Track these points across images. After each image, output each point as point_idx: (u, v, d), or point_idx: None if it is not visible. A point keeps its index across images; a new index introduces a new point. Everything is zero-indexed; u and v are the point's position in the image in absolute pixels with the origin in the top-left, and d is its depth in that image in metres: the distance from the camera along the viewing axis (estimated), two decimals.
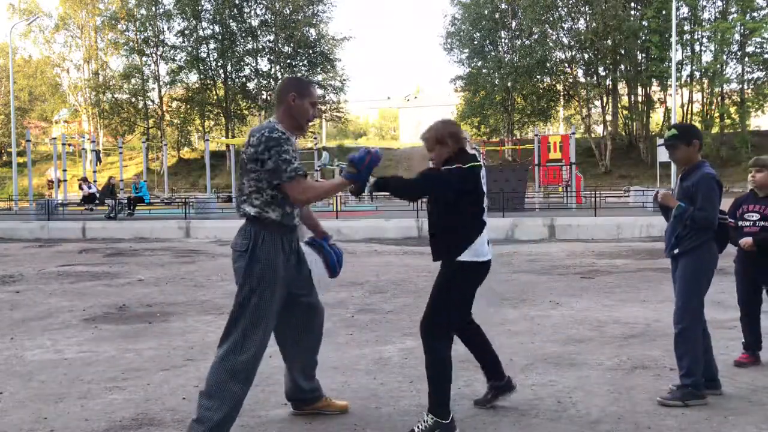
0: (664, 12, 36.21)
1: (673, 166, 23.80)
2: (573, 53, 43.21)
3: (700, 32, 39.81)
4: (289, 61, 46.67)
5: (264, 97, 46.00)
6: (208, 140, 30.40)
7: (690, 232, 3.88)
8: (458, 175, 3.40)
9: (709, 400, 3.89)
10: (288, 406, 3.94)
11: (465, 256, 3.49)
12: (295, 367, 3.70)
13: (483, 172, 3.54)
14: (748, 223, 4.66)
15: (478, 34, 45.05)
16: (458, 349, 5.25)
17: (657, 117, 46.07)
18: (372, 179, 3.36)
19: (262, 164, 3.22)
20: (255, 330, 3.28)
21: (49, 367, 4.91)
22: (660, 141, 27.69)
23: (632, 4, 41.24)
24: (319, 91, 48.78)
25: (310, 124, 3.54)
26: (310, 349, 3.73)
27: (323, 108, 49.35)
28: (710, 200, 3.82)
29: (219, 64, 45.71)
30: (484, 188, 3.55)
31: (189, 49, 45.30)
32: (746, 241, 4.59)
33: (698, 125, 40.64)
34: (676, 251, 3.96)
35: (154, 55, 46.36)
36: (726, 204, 4.36)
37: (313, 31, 46.49)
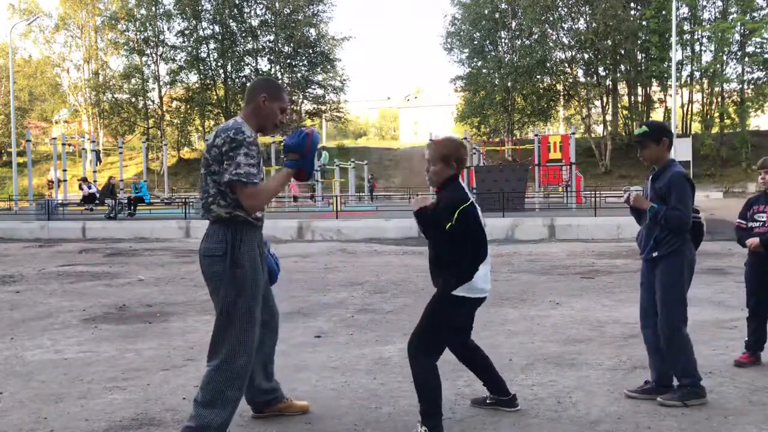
0: (663, 12, 36.23)
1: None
2: (573, 53, 43.24)
3: (700, 32, 39.85)
4: (289, 61, 46.71)
5: None
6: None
7: (668, 234, 3.82)
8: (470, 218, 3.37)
9: (709, 400, 3.89)
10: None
11: (460, 291, 3.43)
12: (257, 367, 3.65)
13: (477, 207, 3.47)
14: (757, 224, 4.66)
15: (478, 34, 45.10)
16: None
17: (657, 117, 46.08)
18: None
19: (227, 165, 3.16)
20: (247, 335, 3.24)
21: (49, 367, 4.91)
22: None
23: (632, 4, 41.25)
24: (319, 91, 48.89)
25: (275, 128, 3.49)
26: (270, 349, 3.71)
27: (323, 108, 49.43)
28: (683, 200, 3.77)
29: (219, 64, 45.75)
30: (482, 220, 3.48)
31: (189, 49, 45.35)
32: (753, 241, 4.59)
33: (698, 125, 40.73)
34: (655, 254, 3.88)
35: (154, 55, 46.40)
36: (737, 205, 4.35)
37: (313, 31, 46.54)
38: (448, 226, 3.30)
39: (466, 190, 3.49)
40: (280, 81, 46.54)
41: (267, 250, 3.56)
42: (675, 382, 4.02)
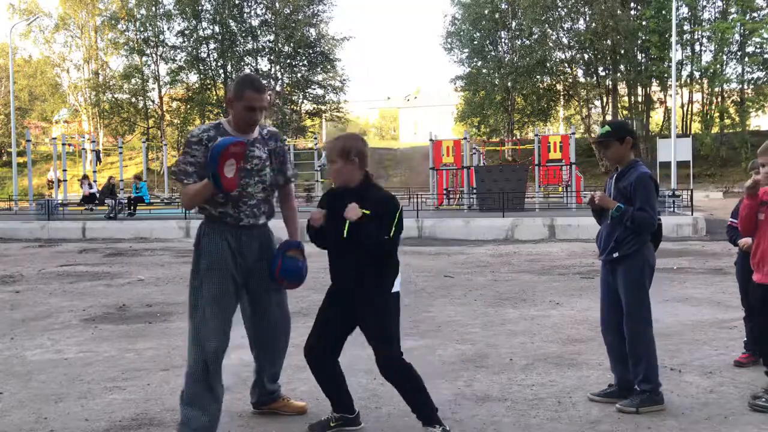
0: (663, 12, 36.23)
1: (673, 166, 23.80)
2: (573, 53, 43.23)
3: (700, 32, 39.84)
4: (289, 61, 46.70)
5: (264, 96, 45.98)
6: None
7: (629, 235, 3.78)
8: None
9: (709, 400, 3.88)
10: None
11: (396, 287, 3.52)
12: (265, 369, 3.71)
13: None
14: None
15: (478, 34, 45.08)
16: (459, 348, 5.26)
17: (657, 117, 46.10)
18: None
19: None
20: (205, 325, 3.27)
21: (49, 367, 4.91)
22: (660, 141, 27.74)
23: (632, 4, 41.25)
24: (319, 91, 48.84)
25: (251, 126, 3.44)
26: (279, 353, 3.75)
27: (323, 108, 49.42)
28: (648, 200, 3.73)
29: (219, 64, 45.73)
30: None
31: (189, 49, 45.31)
32: (745, 241, 4.58)
33: (698, 125, 40.73)
34: (615, 255, 3.84)
35: (154, 55, 46.36)
36: (729, 205, 4.33)
37: (313, 31, 46.51)
38: (385, 238, 3.30)
39: (387, 194, 3.43)
40: (279, 79, 46.50)
41: (280, 253, 3.56)
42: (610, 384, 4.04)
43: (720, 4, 40.21)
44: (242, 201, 3.38)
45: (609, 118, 42.88)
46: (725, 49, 38.54)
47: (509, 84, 42.56)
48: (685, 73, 40.32)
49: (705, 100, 41.68)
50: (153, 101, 47.23)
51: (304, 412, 3.83)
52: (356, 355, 5.13)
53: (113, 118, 46.24)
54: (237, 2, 44.54)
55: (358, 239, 3.27)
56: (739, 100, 39.84)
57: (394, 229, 3.30)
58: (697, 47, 41.15)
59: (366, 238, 3.25)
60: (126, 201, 20.94)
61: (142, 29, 45.58)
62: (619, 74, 41.40)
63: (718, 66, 37.87)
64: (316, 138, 34.27)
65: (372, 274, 3.38)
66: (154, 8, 44.65)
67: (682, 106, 41.52)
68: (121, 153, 29.34)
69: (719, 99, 40.83)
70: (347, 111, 53.21)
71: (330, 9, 61.91)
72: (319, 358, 3.55)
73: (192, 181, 3.26)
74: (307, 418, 3.76)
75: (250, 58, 46.21)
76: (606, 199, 3.93)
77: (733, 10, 38.57)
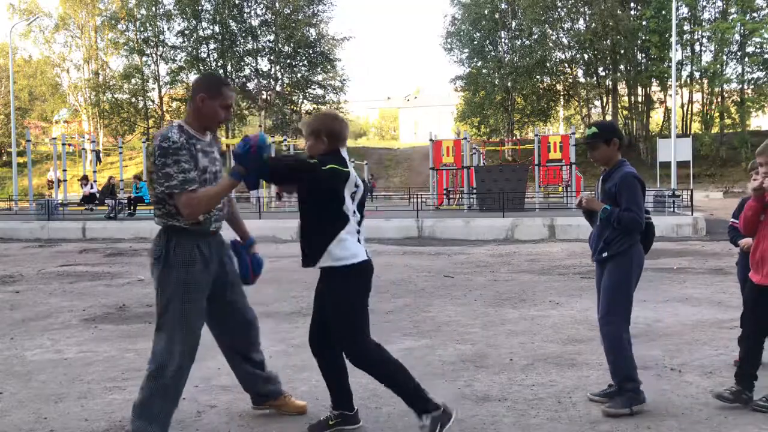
0: (663, 12, 36.24)
1: (673, 166, 23.80)
2: (573, 53, 43.26)
3: (700, 32, 39.85)
4: (289, 61, 46.71)
5: (264, 97, 46.02)
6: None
7: (618, 235, 3.77)
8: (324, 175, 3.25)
9: (709, 400, 3.88)
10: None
11: (347, 261, 3.35)
12: (244, 362, 3.68)
13: (356, 180, 3.36)
14: None
15: (478, 34, 45.11)
16: (459, 348, 5.26)
17: (657, 117, 46.12)
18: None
19: (160, 176, 3.12)
20: (179, 341, 3.21)
21: (49, 367, 4.91)
22: (660, 141, 27.74)
23: (632, 4, 41.27)
24: (319, 91, 48.84)
25: (220, 125, 3.42)
26: (254, 345, 3.71)
27: (323, 108, 49.39)
28: (635, 200, 3.71)
29: (219, 64, 45.72)
30: (352, 196, 3.37)
31: (189, 49, 45.32)
32: (746, 241, 4.58)
33: (698, 125, 40.74)
34: (604, 255, 3.84)
35: (154, 55, 46.38)
36: (729, 205, 4.32)
37: (313, 31, 46.53)
38: (313, 161, 3.21)
39: (348, 163, 3.37)
40: (279, 79, 46.45)
41: (243, 251, 3.51)
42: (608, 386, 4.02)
43: (720, 4, 40.23)
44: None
45: (609, 118, 42.90)
46: (725, 49, 38.56)
47: (509, 84, 42.59)
48: (685, 73, 40.34)
49: (705, 100, 41.70)
50: (153, 101, 47.26)
51: (304, 412, 3.81)
52: None
53: (113, 118, 46.25)
54: (237, 2, 44.54)
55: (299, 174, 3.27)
56: (739, 100, 39.85)
57: (329, 167, 3.20)
58: (697, 47, 41.18)
59: (298, 170, 3.25)
60: (126, 201, 20.94)
61: (142, 29, 45.60)
62: (619, 74, 41.44)
63: (718, 66, 37.88)
64: None
65: (312, 233, 3.35)
66: (154, 8, 44.66)
67: (682, 106, 41.53)
68: (121, 153, 29.34)
69: (719, 99, 40.84)
70: (347, 111, 53.18)
71: (330, 9, 61.96)
72: (316, 345, 3.57)
73: (197, 188, 3.14)
74: (306, 417, 3.76)
75: (250, 58, 46.22)
76: (592, 201, 3.93)
77: (733, 10, 38.58)
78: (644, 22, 38.44)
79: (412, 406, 3.38)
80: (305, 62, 47.26)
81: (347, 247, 3.32)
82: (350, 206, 3.35)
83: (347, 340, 3.41)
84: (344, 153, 3.40)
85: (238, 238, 3.65)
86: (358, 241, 3.40)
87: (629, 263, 3.79)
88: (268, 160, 3.13)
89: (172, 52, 46.09)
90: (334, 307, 3.40)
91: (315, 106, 49.60)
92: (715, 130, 39.32)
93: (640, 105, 42.86)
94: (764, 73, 39.06)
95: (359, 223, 3.45)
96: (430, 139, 23.67)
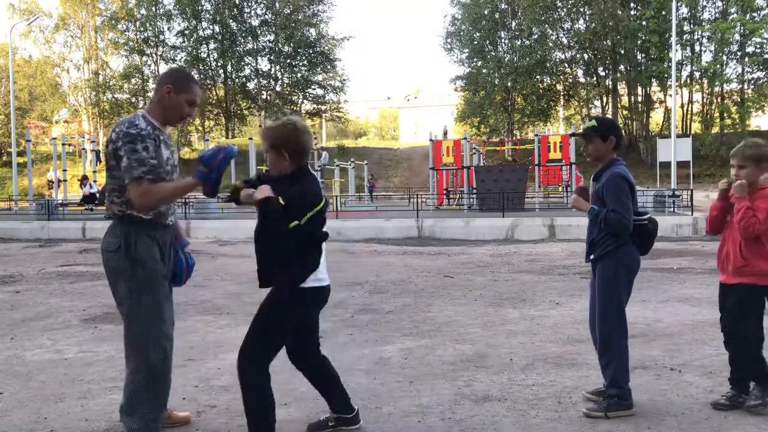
0: (663, 12, 36.24)
1: (673, 166, 23.79)
2: (573, 53, 43.26)
3: (700, 32, 39.84)
4: (289, 60, 46.72)
5: (264, 97, 46.03)
6: (208, 140, 30.39)
7: (604, 236, 3.73)
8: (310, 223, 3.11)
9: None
10: (288, 406, 3.94)
11: (308, 283, 3.19)
12: None
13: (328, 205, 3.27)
14: None
15: (478, 34, 45.12)
16: (459, 348, 5.26)
17: (657, 117, 46.11)
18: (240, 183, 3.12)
19: (119, 161, 3.07)
20: (156, 331, 3.15)
21: (49, 367, 4.91)
22: (660, 141, 27.73)
23: (632, 4, 41.27)
24: (319, 91, 48.83)
25: (181, 120, 3.37)
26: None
27: (323, 108, 49.43)
28: (620, 201, 3.63)
29: (219, 64, 45.77)
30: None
31: (189, 49, 45.35)
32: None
33: (698, 125, 40.73)
34: (592, 256, 3.81)
35: (154, 55, 46.40)
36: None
37: (313, 30, 46.55)
38: (292, 224, 3.02)
39: (318, 185, 3.23)
40: (279, 79, 46.41)
41: (179, 250, 3.45)
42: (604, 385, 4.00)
43: (720, 4, 40.22)
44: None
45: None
46: (725, 49, 38.54)
47: (509, 84, 42.60)
48: (685, 73, 40.34)
49: (705, 100, 41.69)
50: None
51: (188, 421, 3.71)
52: (357, 354, 5.13)
53: (113, 119, 46.22)
54: (237, 2, 44.56)
55: (267, 225, 3.11)
56: (739, 100, 39.85)
57: (306, 218, 3.06)
58: (697, 47, 41.16)
59: (270, 221, 3.07)
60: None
61: (142, 29, 45.62)
62: (619, 74, 41.43)
63: (718, 66, 37.87)
64: (316, 138, 34.27)
65: (279, 267, 3.18)
66: (154, 8, 44.69)
67: (682, 106, 41.52)
68: None
69: (719, 99, 40.84)
70: (347, 111, 53.19)
71: (330, 9, 61.90)
72: (295, 359, 3.50)
73: (155, 177, 3.09)
74: (307, 417, 3.75)
75: (250, 58, 46.25)
76: (579, 202, 3.88)
77: (733, 10, 38.57)
78: (644, 22, 38.43)
79: None
80: (305, 62, 47.29)
81: (323, 271, 3.27)
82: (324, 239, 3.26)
83: (252, 348, 3.29)
84: (311, 168, 3.25)
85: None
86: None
87: (614, 265, 3.73)
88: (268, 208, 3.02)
89: (172, 52, 46.14)
90: (267, 314, 3.25)
91: (315, 106, 49.63)
92: (715, 130, 39.31)
93: (640, 105, 42.85)
94: (764, 73, 39.07)
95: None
96: (430, 139, 23.68)
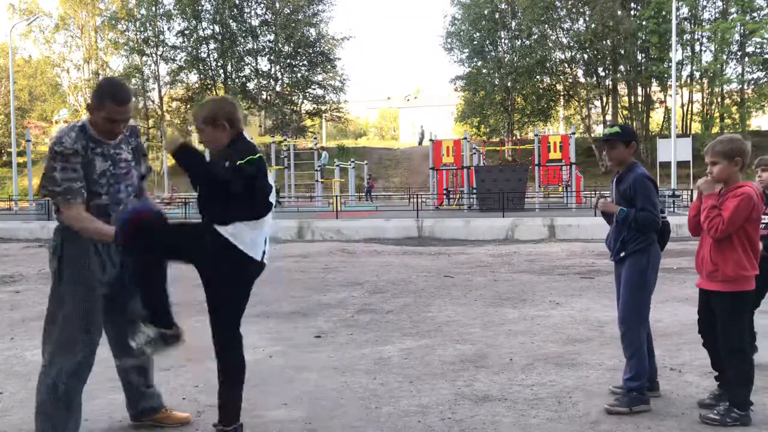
0: (663, 12, 36.23)
1: (673, 166, 23.81)
2: (573, 53, 43.25)
3: (700, 32, 39.83)
4: (289, 60, 46.72)
5: (264, 97, 46.03)
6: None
7: (635, 235, 3.84)
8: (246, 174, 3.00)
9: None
10: (288, 406, 3.95)
11: (226, 231, 3.06)
12: (133, 371, 3.59)
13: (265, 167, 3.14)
14: (761, 226, 4.58)
15: (478, 34, 45.11)
16: (459, 348, 5.26)
17: (657, 117, 46.11)
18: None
19: (45, 177, 3.08)
20: (71, 340, 3.13)
21: None
22: (660, 141, 27.74)
23: (632, 5, 41.26)
24: (319, 91, 48.80)
25: (115, 135, 3.22)
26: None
27: (323, 108, 49.44)
28: (650, 200, 3.79)
29: (219, 64, 45.77)
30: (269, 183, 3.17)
31: (189, 49, 45.34)
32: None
33: (698, 125, 40.73)
34: (622, 254, 3.91)
35: (154, 55, 46.40)
36: None
37: (313, 30, 46.55)
38: (239, 162, 2.94)
39: (255, 145, 3.15)
40: (279, 80, 46.41)
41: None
42: (611, 387, 4.07)
43: (720, 4, 40.22)
44: (112, 210, 3.20)
45: (609, 118, 42.94)
46: (725, 49, 38.53)
47: (509, 84, 42.59)
48: (685, 74, 40.35)
49: (705, 100, 41.69)
50: (153, 101, 47.26)
51: (188, 422, 3.68)
52: (357, 354, 5.13)
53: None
54: (237, 2, 44.55)
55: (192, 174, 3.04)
56: (739, 100, 39.84)
57: (246, 159, 2.98)
58: (697, 47, 41.15)
59: (193, 169, 3.01)
60: None
61: (142, 29, 45.61)
62: (619, 74, 41.42)
63: (718, 66, 37.86)
64: (316, 138, 34.29)
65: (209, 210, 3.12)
66: (154, 8, 44.67)
67: (682, 106, 41.53)
68: None
69: (719, 99, 40.84)
70: (347, 111, 53.19)
71: (330, 9, 61.94)
72: None
73: (80, 201, 3.05)
74: (307, 417, 3.75)
75: (250, 58, 46.26)
76: (608, 205, 4.02)
77: (733, 10, 38.56)
78: (644, 22, 38.42)
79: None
80: (305, 62, 47.28)
81: (239, 235, 3.11)
82: (268, 195, 3.17)
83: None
84: (248, 136, 3.16)
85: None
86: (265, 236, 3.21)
87: (646, 261, 3.85)
88: (199, 169, 2.97)
89: (172, 52, 46.14)
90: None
91: (315, 106, 49.63)
92: (715, 130, 39.28)
93: (640, 105, 42.84)
94: (764, 73, 39.06)
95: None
96: (430, 139, 23.68)
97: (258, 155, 3.05)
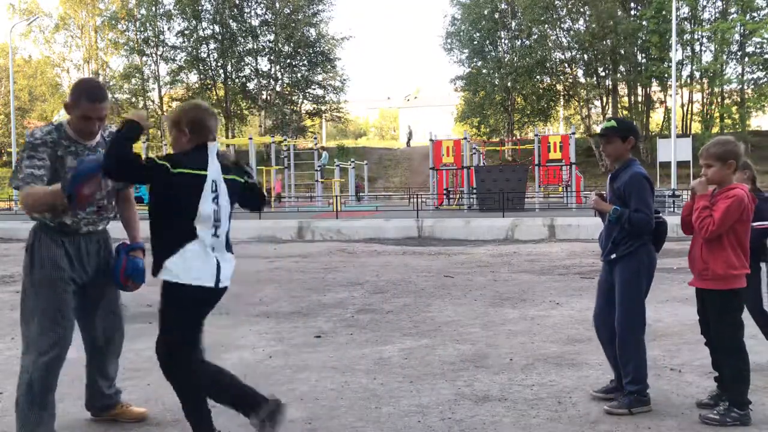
0: (663, 12, 36.23)
1: (673, 166, 23.81)
2: (573, 53, 43.25)
3: (700, 32, 39.82)
4: (289, 60, 46.70)
5: (264, 97, 46.00)
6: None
7: (627, 235, 3.76)
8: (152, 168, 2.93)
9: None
10: (288, 406, 3.94)
11: (170, 275, 2.99)
12: (101, 374, 3.66)
13: (220, 186, 3.05)
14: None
15: (477, 34, 45.11)
16: (459, 348, 5.26)
17: (657, 117, 46.10)
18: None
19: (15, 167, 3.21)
20: (37, 336, 3.27)
21: None
22: (660, 141, 27.74)
23: (631, 5, 41.26)
24: (319, 91, 48.78)
25: (92, 135, 3.28)
26: (113, 355, 3.71)
27: (323, 108, 49.43)
28: (644, 200, 3.68)
29: (219, 64, 45.75)
30: (216, 201, 3.04)
31: (189, 49, 45.33)
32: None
33: (698, 125, 40.72)
34: (613, 256, 3.83)
35: (154, 55, 46.39)
36: None
37: (313, 30, 46.54)
38: (161, 161, 2.92)
39: (211, 162, 3.04)
40: (279, 79, 46.44)
41: (122, 253, 3.44)
42: (610, 383, 4.05)
43: (720, 4, 40.20)
44: (82, 209, 3.27)
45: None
46: (725, 49, 38.52)
47: (509, 84, 42.58)
48: (685, 73, 40.32)
49: (705, 100, 41.68)
50: (153, 101, 47.25)
51: (144, 418, 3.75)
52: (357, 354, 5.13)
53: (113, 119, 46.20)
54: (237, 2, 44.55)
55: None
56: (739, 100, 39.83)
57: (178, 170, 2.94)
58: (697, 47, 41.13)
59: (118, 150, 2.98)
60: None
61: (142, 29, 45.60)
62: (619, 74, 41.41)
63: (718, 66, 37.85)
64: (316, 138, 34.28)
65: (157, 238, 3.07)
66: (154, 8, 44.66)
67: (682, 106, 41.52)
68: None
69: (719, 99, 40.83)
70: (347, 111, 53.19)
71: (330, 9, 61.88)
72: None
73: (30, 183, 3.09)
74: (307, 417, 3.75)
75: (250, 58, 46.23)
76: (601, 203, 3.91)
77: (733, 10, 38.55)
78: (644, 22, 38.42)
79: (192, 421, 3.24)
80: (305, 62, 47.26)
81: (181, 262, 2.99)
82: (204, 215, 3.02)
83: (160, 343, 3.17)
84: (212, 148, 3.08)
85: (127, 241, 3.56)
86: (215, 259, 3.09)
87: (637, 264, 3.78)
88: (115, 149, 2.90)
89: (172, 52, 46.13)
90: (160, 314, 3.12)
91: (315, 106, 49.63)
92: (715, 130, 39.28)
93: (640, 105, 42.84)
94: (764, 73, 39.03)
95: (218, 234, 3.11)
96: (430, 139, 23.68)
97: (199, 171, 2.98)
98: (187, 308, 3.09)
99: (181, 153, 3.06)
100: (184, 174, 2.95)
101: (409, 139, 54.10)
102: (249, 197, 3.34)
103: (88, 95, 3.19)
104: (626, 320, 3.80)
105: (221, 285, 3.15)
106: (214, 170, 3.04)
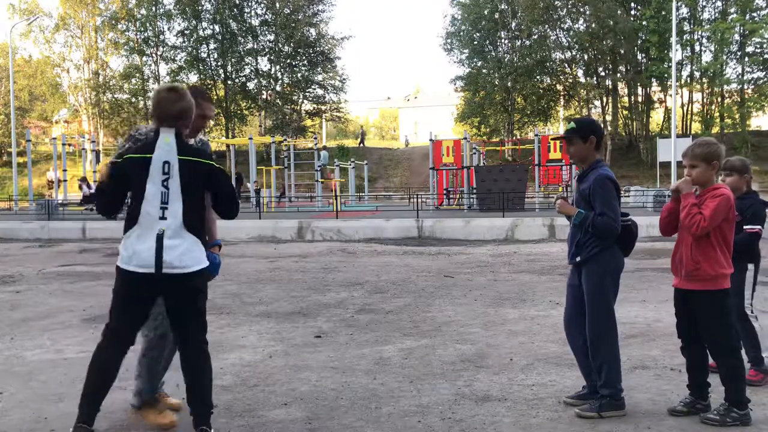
0: (663, 12, 36.23)
1: (673, 166, 23.80)
2: (573, 53, 43.26)
3: (700, 32, 39.82)
4: (289, 60, 46.70)
5: (264, 97, 46.00)
6: (208, 140, 30.36)
7: (590, 238, 3.72)
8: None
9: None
10: (288, 406, 3.94)
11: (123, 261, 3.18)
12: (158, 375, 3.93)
13: (173, 169, 3.12)
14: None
15: (477, 35, 45.11)
16: (459, 348, 5.26)
17: (657, 117, 46.09)
18: None
19: None
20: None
21: (49, 367, 4.91)
22: (660, 141, 27.74)
23: (631, 4, 41.25)
24: (319, 91, 48.81)
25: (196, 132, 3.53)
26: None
27: (323, 108, 49.44)
28: (609, 204, 3.62)
29: (219, 64, 45.73)
30: (164, 184, 3.11)
31: (189, 49, 45.33)
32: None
33: (698, 125, 40.71)
34: (578, 259, 3.80)
35: (154, 55, 46.38)
36: None
37: (313, 30, 46.54)
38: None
39: (159, 144, 3.11)
40: (279, 79, 46.43)
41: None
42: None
43: (720, 4, 40.19)
44: None
45: (609, 118, 42.91)
46: (725, 49, 38.51)
47: (509, 84, 42.58)
48: (685, 73, 40.32)
49: (705, 100, 41.68)
50: None
51: (179, 408, 3.86)
52: (357, 354, 5.13)
53: (113, 118, 46.26)
54: (237, 2, 44.54)
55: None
56: (739, 100, 39.83)
57: (125, 157, 3.24)
58: (697, 47, 41.13)
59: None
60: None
61: (142, 29, 45.60)
62: (619, 74, 41.40)
63: (718, 66, 37.85)
64: (316, 138, 34.27)
65: None
66: (154, 8, 44.66)
67: (682, 106, 41.51)
68: None
69: (719, 99, 40.83)
70: (347, 111, 53.19)
71: (330, 9, 61.87)
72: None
73: None
74: (307, 417, 3.75)
75: (250, 58, 46.21)
76: (565, 206, 3.87)
77: (733, 10, 38.54)
78: (644, 22, 38.42)
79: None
80: (305, 62, 47.26)
81: (125, 247, 3.16)
82: (149, 196, 3.11)
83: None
84: (167, 133, 3.12)
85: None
86: (155, 242, 3.09)
87: (602, 267, 3.73)
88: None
89: (172, 52, 46.11)
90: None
91: (315, 105, 49.62)
92: (715, 130, 39.28)
93: (640, 105, 42.82)
94: (764, 73, 39.03)
95: (166, 217, 3.12)
96: (430, 139, 23.67)
97: (145, 155, 3.12)
98: (117, 292, 3.22)
99: (143, 142, 3.25)
100: (131, 159, 3.15)
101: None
102: (220, 198, 3.37)
103: (206, 96, 3.51)
104: (596, 326, 3.75)
105: (167, 271, 3.09)
106: (164, 152, 3.10)
